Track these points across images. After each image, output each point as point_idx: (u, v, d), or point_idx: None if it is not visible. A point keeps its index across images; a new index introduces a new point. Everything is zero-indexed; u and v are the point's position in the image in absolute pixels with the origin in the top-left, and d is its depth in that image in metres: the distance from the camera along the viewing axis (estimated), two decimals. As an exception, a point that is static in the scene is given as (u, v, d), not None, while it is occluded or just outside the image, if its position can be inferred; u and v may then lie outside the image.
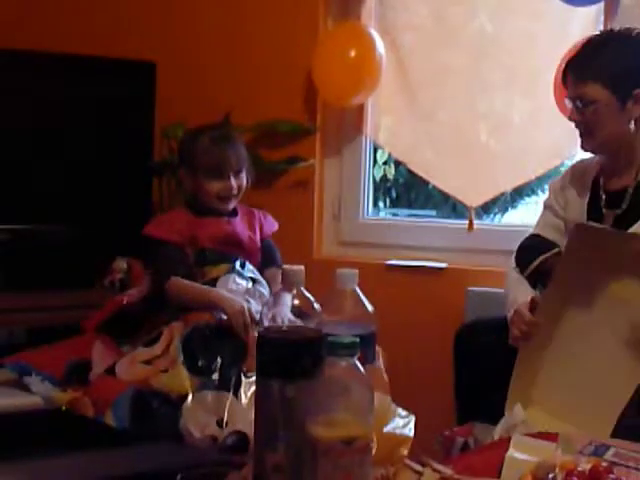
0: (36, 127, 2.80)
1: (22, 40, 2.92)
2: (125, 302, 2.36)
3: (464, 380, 2.31)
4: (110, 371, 2.15)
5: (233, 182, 2.43)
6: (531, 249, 2.31)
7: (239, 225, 2.48)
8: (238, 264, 2.41)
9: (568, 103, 2.29)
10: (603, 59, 2.19)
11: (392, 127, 3.07)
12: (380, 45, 2.90)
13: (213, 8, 3.10)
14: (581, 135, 2.30)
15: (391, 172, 3.38)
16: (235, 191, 2.43)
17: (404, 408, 2.57)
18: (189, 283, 2.32)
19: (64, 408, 2.21)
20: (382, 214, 3.48)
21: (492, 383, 2.07)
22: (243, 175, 2.47)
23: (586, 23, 2.77)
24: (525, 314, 2.12)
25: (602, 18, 2.76)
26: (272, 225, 2.59)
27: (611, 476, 1.43)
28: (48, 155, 2.82)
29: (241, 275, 2.39)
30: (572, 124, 2.70)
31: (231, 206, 2.48)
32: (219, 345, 2.15)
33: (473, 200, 2.93)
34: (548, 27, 2.84)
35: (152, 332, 2.24)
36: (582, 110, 2.22)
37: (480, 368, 2.20)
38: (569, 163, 3.06)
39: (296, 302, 1.43)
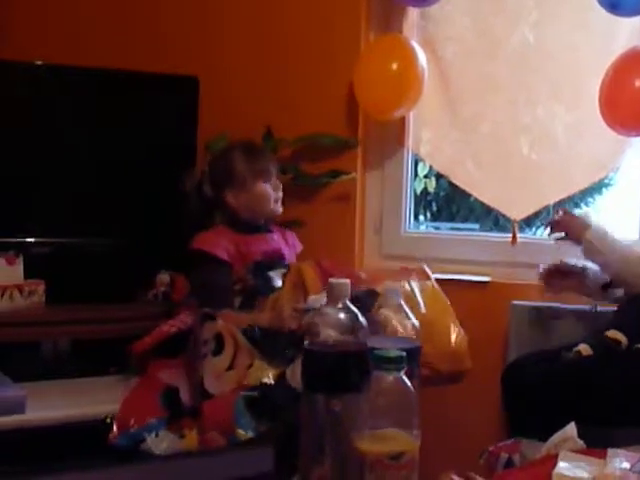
0: (79, 142, 2.83)
1: (67, 56, 2.96)
2: (170, 333, 2.35)
3: (516, 416, 2.31)
4: (204, 394, 2.15)
5: (278, 182, 2.48)
6: None
7: (280, 242, 2.52)
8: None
9: None
10: None
11: (434, 140, 3.05)
12: (422, 58, 2.89)
13: (254, 22, 3.12)
14: None
15: (432, 185, 3.37)
16: (281, 191, 2.48)
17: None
18: (232, 316, 2.31)
19: (108, 420, 2.23)
20: (423, 228, 3.47)
21: (543, 415, 2.07)
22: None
23: (631, 34, 2.73)
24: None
25: (647, 29, 2.73)
26: (299, 247, 2.62)
27: (662, 493, 1.41)
28: (91, 169, 2.84)
29: None
30: (616, 136, 2.69)
31: (281, 209, 2.50)
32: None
33: (517, 213, 2.91)
34: (592, 38, 2.80)
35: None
36: None
37: (529, 405, 2.20)
38: (613, 176, 3.04)
39: (342, 316, 1.42)
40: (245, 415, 2.06)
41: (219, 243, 2.40)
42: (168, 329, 2.32)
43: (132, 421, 2.14)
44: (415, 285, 2.19)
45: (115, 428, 2.14)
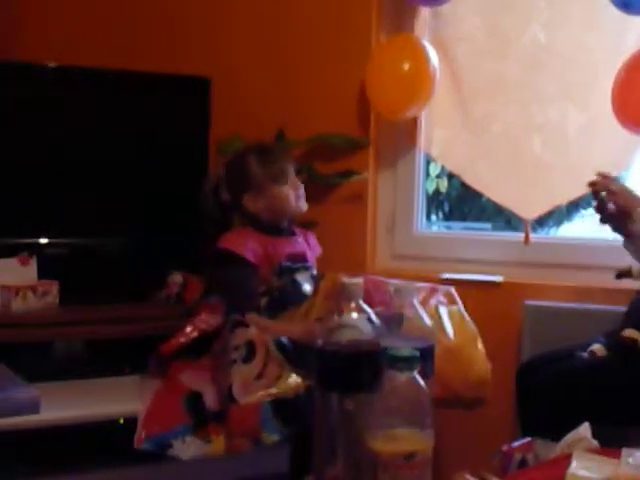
0: (92, 142, 2.84)
1: (78, 57, 2.97)
2: (198, 334, 2.35)
3: (529, 416, 2.31)
4: (231, 400, 2.15)
5: (297, 180, 2.48)
6: None
7: (304, 244, 2.52)
8: (314, 271, 2.48)
9: None
10: None
11: (446, 140, 3.05)
12: (434, 57, 2.88)
13: (266, 23, 3.12)
14: None
15: (444, 185, 3.36)
16: (302, 189, 2.47)
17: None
18: (264, 323, 2.30)
19: (122, 421, 2.24)
20: (435, 228, 3.46)
21: (557, 415, 2.07)
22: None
23: (643, 32, 2.74)
24: None
25: (659, 27, 2.72)
26: (318, 249, 2.61)
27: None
28: (105, 170, 2.85)
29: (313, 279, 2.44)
30: (629, 135, 2.69)
31: (305, 206, 2.50)
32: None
33: (529, 213, 2.90)
34: (604, 37, 2.79)
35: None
36: None
37: (543, 405, 2.20)
38: (626, 175, 3.03)
39: (354, 315, 1.42)
40: (272, 420, 2.07)
41: (246, 244, 2.39)
42: (192, 331, 2.32)
43: (158, 426, 2.15)
44: (443, 311, 2.18)
45: (141, 432, 2.15)
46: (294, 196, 2.47)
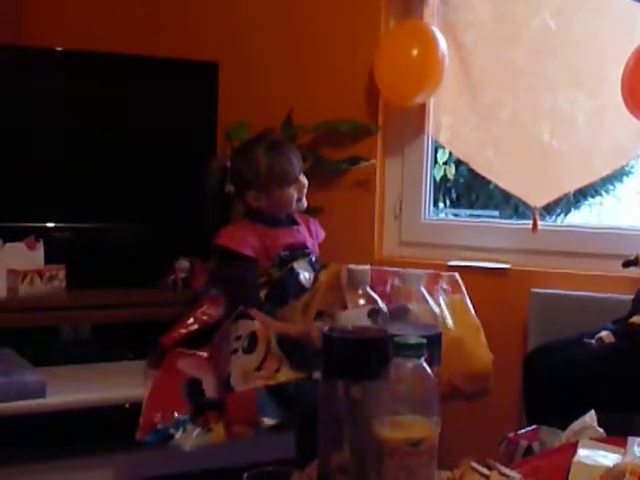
0: (100, 127, 2.84)
1: (86, 41, 2.96)
2: (199, 326, 2.35)
3: (536, 403, 2.30)
4: (229, 388, 2.15)
5: (303, 179, 2.46)
6: None
7: (305, 233, 2.51)
8: (313, 258, 2.47)
9: None
10: None
11: (454, 126, 3.04)
12: (442, 44, 2.87)
13: (275, 8, 3.11)
14: None
15: (451, 172, 3.35)
16: (306, 188, 2.46)
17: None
18: (266, 320, 2.28)
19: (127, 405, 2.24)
20: (442, 215, 3.46)
21: (564, 403, 2.06)
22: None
23: (653, 20, 2.72)
24: None
25: (670, 14, 2.71)
26: (321, 235, 2.60)
27: (684, 482, 1.39)
28: (112, 155, 2.85)
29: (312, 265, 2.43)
30: (638, 123, 2.67)
31: (305, 205, 2.50)
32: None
33: (537, 200, 2.89)
34: (614, 24, 2.78)
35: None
36: None
37: (550, 392, 2.20)
38: (634, 163, 3.02)
39: (362, 302, 1.41)
40: (269, 404, 2.07)
41: (244, 240, 2.38)
42: (193, 323, 2.32)
43: (158, 417, 2.15)
44: (442, 299, 2.15)
45: (142, 424, 2.15)
46: (298, 196, 2.46)
